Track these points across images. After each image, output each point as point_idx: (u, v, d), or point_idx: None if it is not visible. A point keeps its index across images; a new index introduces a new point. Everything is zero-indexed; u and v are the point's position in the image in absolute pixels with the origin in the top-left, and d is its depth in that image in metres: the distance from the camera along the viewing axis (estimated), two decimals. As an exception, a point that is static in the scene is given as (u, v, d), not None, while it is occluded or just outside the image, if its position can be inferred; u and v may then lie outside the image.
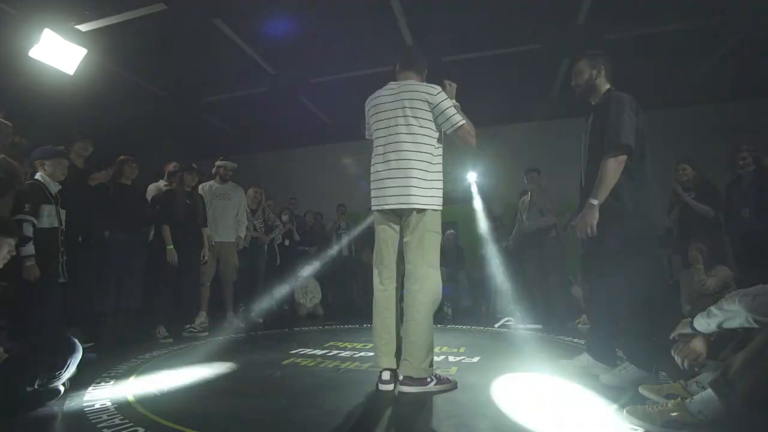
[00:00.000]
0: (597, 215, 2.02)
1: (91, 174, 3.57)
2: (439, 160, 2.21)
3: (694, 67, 5.57)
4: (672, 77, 5.85)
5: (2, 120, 2.91)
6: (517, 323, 4.36)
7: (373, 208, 2.24)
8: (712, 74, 5.62)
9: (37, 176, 2.95)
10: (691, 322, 1.64)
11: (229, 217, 4.68)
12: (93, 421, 1.67)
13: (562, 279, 4.56)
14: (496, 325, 4.37)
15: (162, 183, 4.50)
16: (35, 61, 4.07)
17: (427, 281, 2.08)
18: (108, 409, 1.81)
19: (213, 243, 4.47)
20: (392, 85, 2.28)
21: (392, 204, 2.13)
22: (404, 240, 2.16)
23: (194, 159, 6.07)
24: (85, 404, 1.88)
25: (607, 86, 2.26)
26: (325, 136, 7.68)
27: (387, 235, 2.20)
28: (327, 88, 6.03)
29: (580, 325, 3.86)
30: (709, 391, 1.42)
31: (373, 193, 2.22)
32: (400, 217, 2.17)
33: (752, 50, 5.00)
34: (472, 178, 6.66)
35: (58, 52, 4.11)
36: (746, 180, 3.62)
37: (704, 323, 1.60)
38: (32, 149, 3.05)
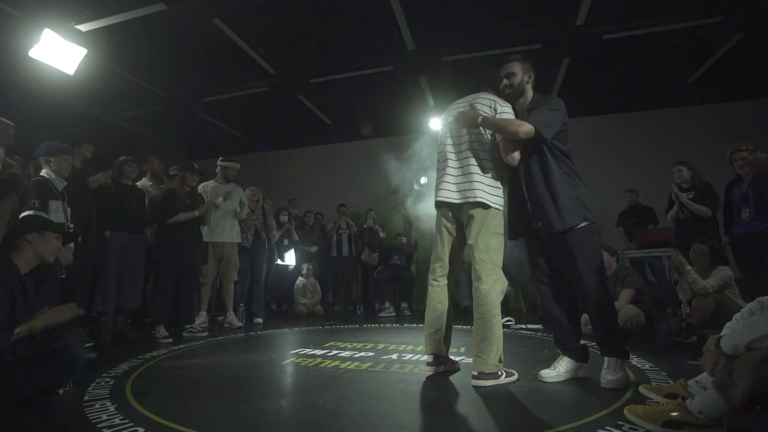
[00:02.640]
0: (477, 117, 2.15)
1: (89, 174, 3.57)
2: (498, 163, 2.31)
3: (693, 67, 5.58)
4: (671, 77, 5.86)
5: (5, 120, 2.91)
6: (517, 323, 4.37)
7: (438, 199, 2.34)
8: (712, 74, 5.63)
9: (43, 173, 2.96)
10: (718, 343, 1.58)
11: (229, 217, 4.69)
12: (93, 421, 1.67)
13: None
14: (496, 325, 4.37)
15: (147, 181, 4.49)
16: (35, 61, 4.07)
17: (497, 281, 2.20)
18: (108, 409, 1.81)
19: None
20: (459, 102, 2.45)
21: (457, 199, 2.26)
22: (469, 241, 2.25)
23: (194, 159, 6.08)
24: (85, 404, 1.88)
25: (532, 93, 2.27)
26: (325, 136, 7.69)
27: (444, 228, 2.34)
28: (327, 88, 6.04)
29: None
30: (710, 390, 1.41)
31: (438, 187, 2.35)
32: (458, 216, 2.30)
33: (752, 50, 5.01)
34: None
35: (58, 52, 4.11)
36: (746, 180, 3.61)
37: (731, 343, 1.51)
38: (33, 149, 3.06)
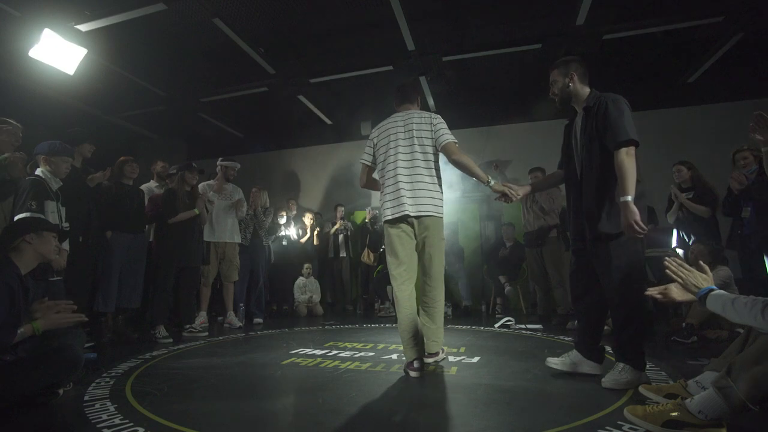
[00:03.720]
0: (635, 210, 1.93)
1: (88, 173, 3.57)
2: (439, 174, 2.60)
3: (693, 67, 5.58)
4: (671, 77, 5.86)
5: (14, 122, 2.90)
6: (517, 323, 4.38)
7: (388, 217, 2.53)
8: (712, 74, 5.63)
9: (38, 172, 2.92)
10: (706, 293, 1.55)
11: (230, 217, 4.69)
12: (93, 421, 1.67)
13: (561, 277, 4.57)
14: (496, 326, 4.38)
15: (153, 183, 4.50)
16: (35, 61, 4.07)
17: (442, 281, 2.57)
18: (108, 409, 1.81)
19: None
20: (395, 116, 2.65)
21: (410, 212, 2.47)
22: (421, 247, 2.53)
23: (194, 159, 6.08)
24: (85, 404, 1.88)
25: (587, 89, 2.25)
26: (325, 136, 7.68)
27: (402, 239, 2.52)
28: (327, 88, 6.03)
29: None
30: (710, 390, 1.41)
31: (387, 204, 2.54)
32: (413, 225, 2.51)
33: (752, 50, 5.01)
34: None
35: (58, 52, 4.11)
36: (748, 179, 3.60)
37: (718, 307, 1.50)
38: (32, 149, 3.04)
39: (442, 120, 2.55)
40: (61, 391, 1.98)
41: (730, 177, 3.63)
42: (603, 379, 2.08)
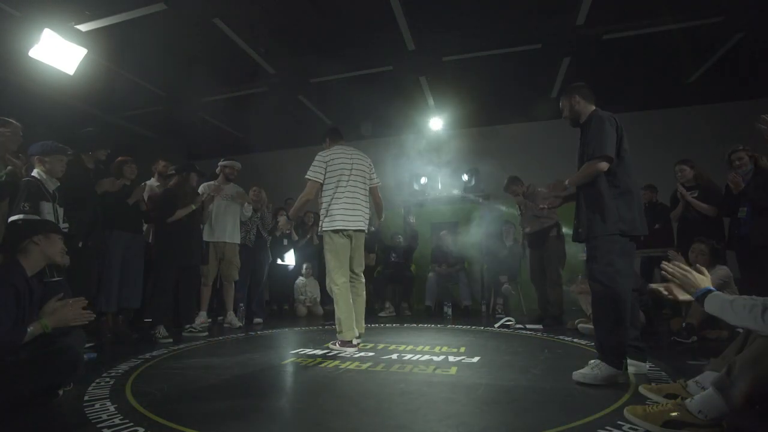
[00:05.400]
0: (563, 194, 2.48)
1: (100, 174, 3.58)
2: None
3: (693, 67, 5.57)
4: (671, 77, 5.85)
5: (15, 122, 2.89)
6: (517, 323, 4.38)
7: (339, 228, 3.15)
8: (712, 74, 5.63)
9: (34, 173, 2.90)
10: (703, 293, 1.55)
11: (230, 217, 4.69)
12: (93, 421, 1.67)
13: (560, 277, 4.57)
14: (496, 325, 4.38)
15: (154, 182, 4.50)
16: (35, 61, 4.07)
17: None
18: (108, 409, 1.81)
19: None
20: (343, 148, 3.33)
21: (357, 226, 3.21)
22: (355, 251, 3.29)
23: (194, 159, 6.08)
24: (85, 404, 1.88)
25: (591, 108, 2.42)
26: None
27: (347, 247, 3.21)
28: (327, 88, 6.03)
29: (579, 326, 3.86)
30: (710, 390, 1.41)
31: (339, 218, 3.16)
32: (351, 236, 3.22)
33: (752, 50, 5.01)
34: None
35: (58, 52, 4.11)
36: (744, 180, 3.60)
37: (716, 309, 1.50)
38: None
39: (367, 156, 3.42)
40: (61, 391, 1.98)
41: (727, 178, 3.63)
42: (575, 372, 2.15)
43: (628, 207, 2.19)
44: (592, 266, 2.21)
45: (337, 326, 3.12)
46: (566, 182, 2.39)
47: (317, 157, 3.25)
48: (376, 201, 3.50)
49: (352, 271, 3.27)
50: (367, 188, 3.34)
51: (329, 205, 3.16)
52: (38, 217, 2.73)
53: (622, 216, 2.17)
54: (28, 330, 1.86)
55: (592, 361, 2.15)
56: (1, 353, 1.80)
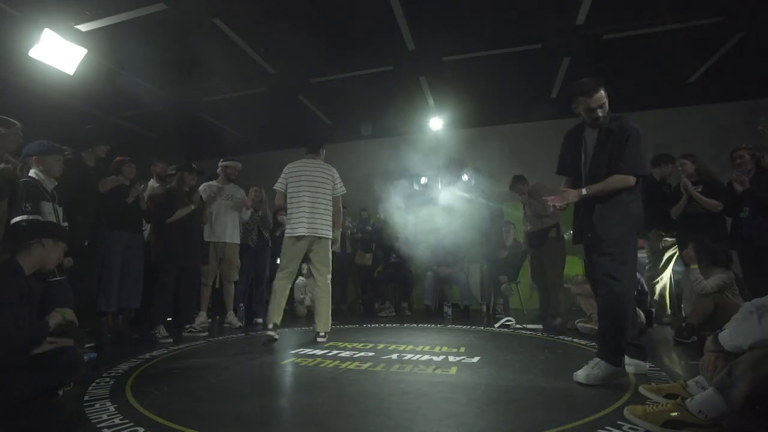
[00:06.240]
0: (574, 200, 2.31)
1: (100, 172, 3.57)
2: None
3: (693, 67, 5.58)
4: (671, 77, 5.86)
5: (15, 122, 2.88)
6: (517, 323, 4.38)
7: (298, 233, 3.53)
8: (712, 74, 5.63)
9: (32, 173, 2.86)
10: (715, 339, 1.60)
11: (231, 217, 4.68)
12: (93, 421, 1.67)
13: (560, 277, 4.56)
14: (496, 325, 4.38)
15: (153, 182, 4.49)
16: (35, 61, 4.07)
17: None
18: (108, 409, 1.81)
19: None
20: (304, 161, 3.81)
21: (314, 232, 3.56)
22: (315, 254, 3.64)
23: (194, 159, 6.08)
24: (85, 404, 1.88)
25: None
26: (325, 136, 7.68)
27: (299, 250, 3.59)
28: (327, 88, 6.03)
29: (579, 326, 3.86)
30: (710, 390, 1.41)
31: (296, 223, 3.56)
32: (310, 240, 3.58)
33: (752, 50, 5.01)
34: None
35: (58, 52, 4.11)
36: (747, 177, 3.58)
37: (732, 343, 1.53)
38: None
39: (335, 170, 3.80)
40: (61, 392, 1.98)
41: (731, 177, 3.61)
42: (576, 373, 2.14)
43: (640, 211, 2.26)
44: (605, 263, 2.17)
45: None
46: (583, 191, 2.28)
47: (284, 169, 3.75)
48: (334, 210, 3.71)
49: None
50: (327, 198, 3.65)
51: (289, 211, 3.66)
52: (42, 218, 2.72)
53: (639, 220, 2.23)
54: (51, 322, 1.92)
55: (592, 360, 2.16)
56: (30, 349, 1.84)
